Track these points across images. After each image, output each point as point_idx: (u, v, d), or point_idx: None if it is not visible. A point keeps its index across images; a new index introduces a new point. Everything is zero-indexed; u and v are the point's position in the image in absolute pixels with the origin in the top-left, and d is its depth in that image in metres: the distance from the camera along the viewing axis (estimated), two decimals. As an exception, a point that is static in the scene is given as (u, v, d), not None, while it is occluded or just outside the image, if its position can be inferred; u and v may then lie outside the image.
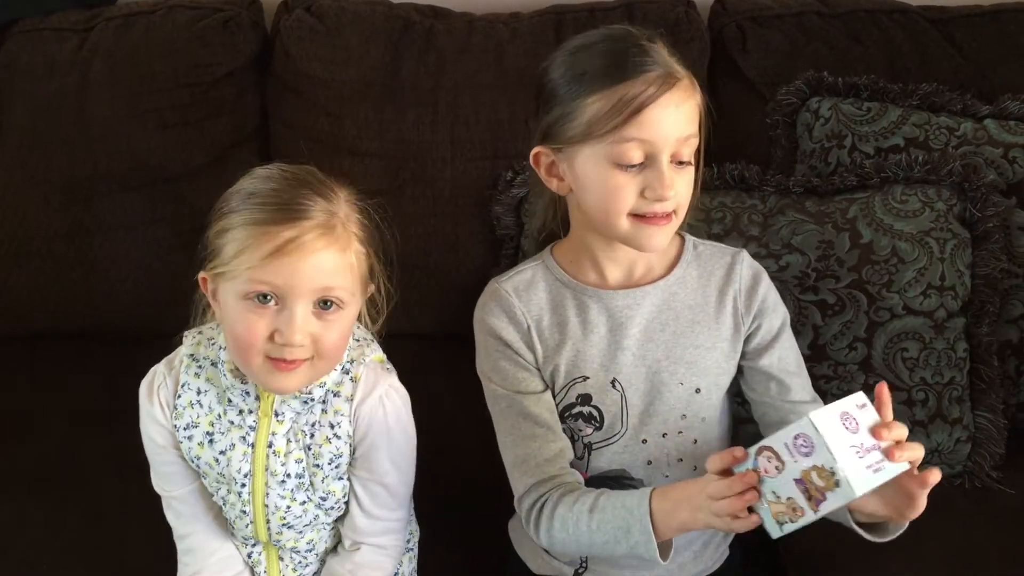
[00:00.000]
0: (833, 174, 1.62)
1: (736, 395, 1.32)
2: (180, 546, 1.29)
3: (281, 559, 1.28)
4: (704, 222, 1.54)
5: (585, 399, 1.23)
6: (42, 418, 1.68)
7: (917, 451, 1.00)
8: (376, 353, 1.25)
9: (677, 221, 1.17)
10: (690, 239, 1.29)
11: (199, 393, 1.20)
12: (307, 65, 1.78)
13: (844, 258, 1.50)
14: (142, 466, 1.26)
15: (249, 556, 1.29)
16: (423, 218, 1.77)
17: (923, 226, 1.50)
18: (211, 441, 1.20)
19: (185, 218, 1.76)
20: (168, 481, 1.26)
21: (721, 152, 1.67)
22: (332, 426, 1.19)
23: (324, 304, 1.10)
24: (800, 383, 1.28)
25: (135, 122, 1.77)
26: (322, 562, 1.30)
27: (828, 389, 1.50)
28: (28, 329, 1.84)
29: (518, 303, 1.24)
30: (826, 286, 1.50)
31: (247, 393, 1.17)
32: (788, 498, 0.96)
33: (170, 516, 1.28)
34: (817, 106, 1.68)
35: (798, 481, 0.95)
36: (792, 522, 0.97)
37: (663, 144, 1.10)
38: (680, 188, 1.13)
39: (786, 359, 1.27)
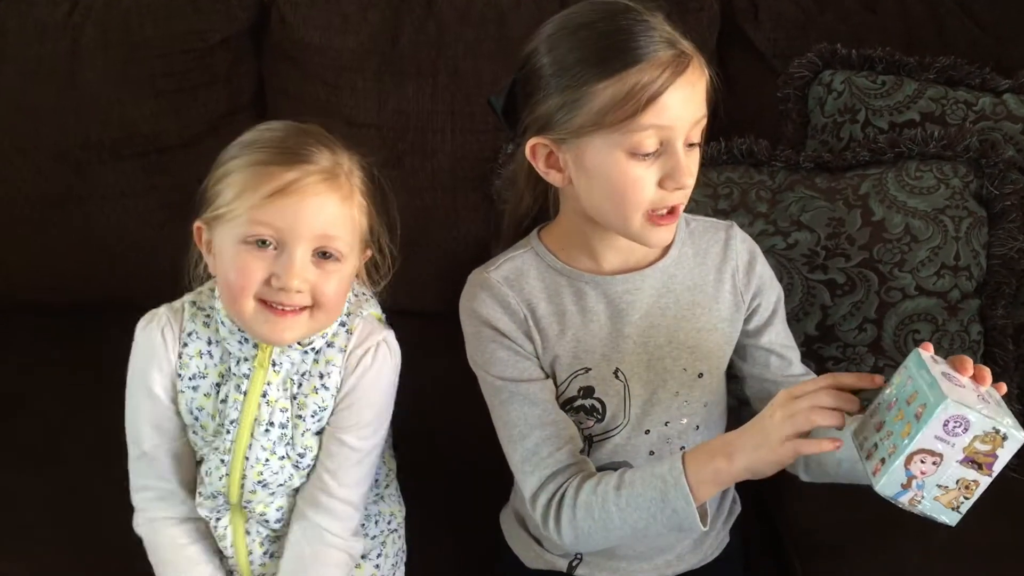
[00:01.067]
0: (845, 149, 1.58)
1: (734, 376, 1.28)
2: (137, 498, 1.25)
3: (248, 532, 1.26)
4: (711, 198, 1.50)
5: (587, 392, 1.18)
6: (29, 393, 1.66)
7: (988, 371, 0.98)
8: (374, 310, 1.24)
9: (681, 210, 1.11)
10: (681, 216, 1.21)
11: (210, 344, 1.18)
12: (304, 32, 1.74)
13: (855, 236, 1.46)
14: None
15: (217, 522, 1.26)
16: (422, 192, 1.74)
17: (938, 203, 1.47)
18: (217, 392, 1.19)
19: (179, 188, 1.73)
20: (147, 432, 1.21)
21: (730, 126, 1.66)
22: (321, 376, 1.18)
23: (323, 254, 1.10)
24: (796, 355, 1.26)
25: (127, 89, 1.74)
26: None
27: (836, 372, 1.45)
28: (15, 300, 1.82)
29: (511, 293, 1.17)
30: (836, 265, 1.47)
31: (245, 340, 1.16)
32: (958, 480, 0.92)
33: (135, 468, 1.24)
34: (830, 79, 1.65)
35: (963, 460, 0.91)
36: (968, 499, 0.94)
37: (680, 129, 1.05)
38: (692, 171, 1.08)
39: (783, 333, 1.25)
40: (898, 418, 0.94)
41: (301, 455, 1.20)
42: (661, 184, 1.06)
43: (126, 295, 1.74)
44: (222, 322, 1.16)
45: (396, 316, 1.29)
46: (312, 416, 1.19)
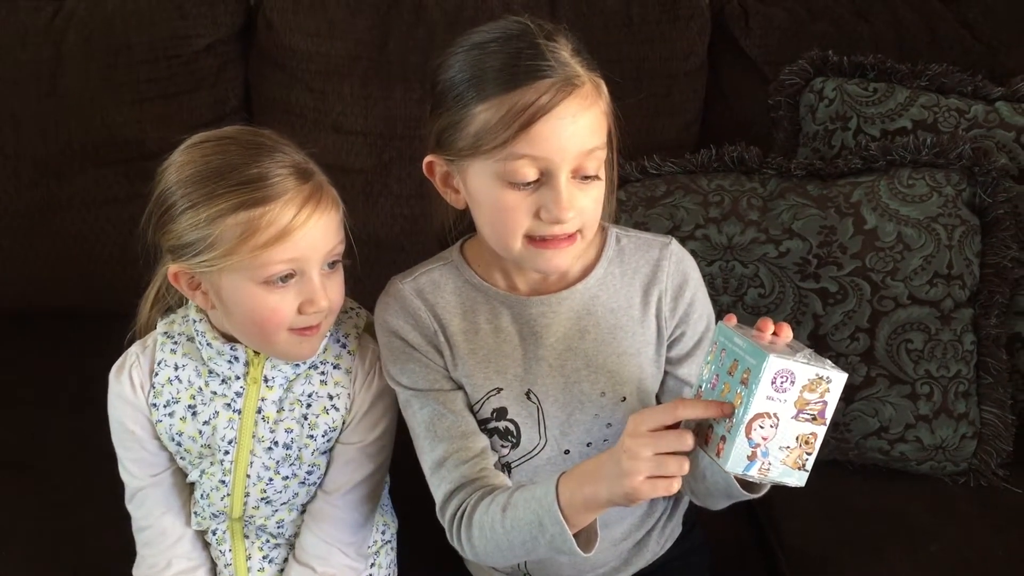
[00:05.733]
0: (837, 157, 1.57)
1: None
2: (140, 538, 1.25)
3: (247, 536, 1.25)
4: (701, 205, 1.49)
5: (500, 413, 1.14)
6: (9, 401, 1.65)
7: (783, 324, 0.97)
8: (367, 320, 1.23)
9: (583, 241, 1.05)
10: (613, 231, 1.16)
11: (176, 369, 1.17)
12: (290, 38, 1.73)
13: (847, 244, 1.45)
14: (108, 453, 1.23)
15: (213, 533, 1.25)
16: (409, 199, 1.73)
17: (930, 212, 1.45)
18: (194, 414, 1.17)
19: (163, 196, 1.70)
20: (135, 468, 1.22)
21: (721, 134, 1.66)
22: (331, 397, 1.17)
23: (330, 264, 1.10)
24: None
25: (110, 95, 1.72)
26: (291, 545, 1.26)
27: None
28: (-4, 308, 1.80)
29: (422, 306, 1.13)
30: (828, 273, 1.45)
31: (235, 359, 1.15)
32: (797, 436, 0.91)
33: (132, 507, 1.24)
34: (821, 87, 1.64)
35: (796, 414, 0.90)
36: (810, 454, 0.92)
37: (560, 160, 0.98)
38: (584, 205, 1.02)
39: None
40: (725, 392, 0.93)
41: (309, 472, 1.20)
42: (538, 215, 1.01)
43: (107, 303, 1.72)
44: (209, 344, 1.15)
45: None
46: (323, 436, 1.18)
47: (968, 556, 1.36)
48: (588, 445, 1.15)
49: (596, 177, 1.02)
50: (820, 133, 1.62)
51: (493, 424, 1.14)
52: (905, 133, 1.56)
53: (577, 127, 0.98)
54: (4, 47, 1.72)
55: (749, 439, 0.90)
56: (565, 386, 1.13)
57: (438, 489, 1.10)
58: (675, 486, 0.92)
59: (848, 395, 1.44)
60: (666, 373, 1.16)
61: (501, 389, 1.13)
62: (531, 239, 1.03)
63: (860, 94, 1.61)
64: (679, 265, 1.15)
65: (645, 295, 1.14)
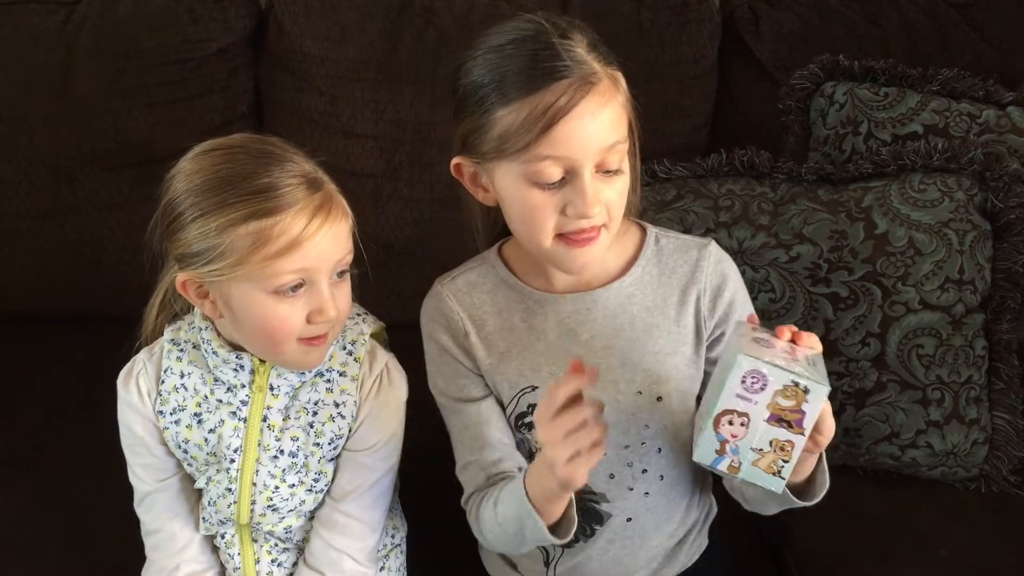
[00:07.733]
0: (848, 161, 1.57)
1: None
2: (148, 542, 1.25)
3: (255, 540, 1.25)
4: (711, 210, 1.48)
5: (536, 409, 1.12)
6: (19, 404, 1.65)
7: (813, 336, 0.99)
8: (374, 326, 1.23)
9: (609, 234, 1.06)
10: (652, 232, 1.17)
11: (182, 376, 1.17)
12: (301, 42, 1.73)
13: (858, 249, 1.44)
14: (116, 457, 1.23)
15: (222, 537, 1.25)
16: (420, 203, 1.74)
17: (942, 216, 1.45)
18: (200, 421, 1.17)
19: (173, 200, 1.71)
20: (144, 474, 1.22)
21: (731, 138, 1.66)
22: (337, 405, 1.17)
23: (339, 274, 1.10)
24: None
25: (121, 99, 1.72)
26: (300, 550, 1.26)
27: (839, 387, 1.44)
28: (7, 311, 1.81)
29: (457, 307, 1.15)
30: (839, 278, 1.45)
31: (240, 367, 1.15)
32: (771, 441, 0.92)
33: (141, 511, 1.24)
34: (832, 91, 1.63)
35: (770, 418, 0.91)
36: (787, 461, 0.93)
37: (583, 158, 1.00)
38: (609, 198, 1.03)
39: None
40: (711, 387, 0.95)
41: (316, 479, 1.20)
42: (564, 212, 1.02)
43: (117, 306, 1.72)
44: (215, 352, 1.15)
45: (391, 330, 1.27)
46: (329, 444, 1.18)
47: (978, 562, 1.35)
48: (626, 448, 1.15)
49: (619, 171, 1.04)
50: (831, 137, 1.62)
51: (529, 419, 1.14)
52: (916, 138, 1.56)
53: (597, 124, 1.00)
54: (16, 50, 1.73)
55: (717, 433, 0.93)
56: (601, 385, 1.12)
57: (465, 485, 1.17)
58: (595, 457, 0.95)
59: (859, 400, 1.44)
60: (707, 373, 1.17)
61: (536, 387, 1.14)
62: (560, 236, 1.04)
63: (871, 98, 1.60)
64: (718, 265, 1.16)
65: (683, 295, 1.15)
